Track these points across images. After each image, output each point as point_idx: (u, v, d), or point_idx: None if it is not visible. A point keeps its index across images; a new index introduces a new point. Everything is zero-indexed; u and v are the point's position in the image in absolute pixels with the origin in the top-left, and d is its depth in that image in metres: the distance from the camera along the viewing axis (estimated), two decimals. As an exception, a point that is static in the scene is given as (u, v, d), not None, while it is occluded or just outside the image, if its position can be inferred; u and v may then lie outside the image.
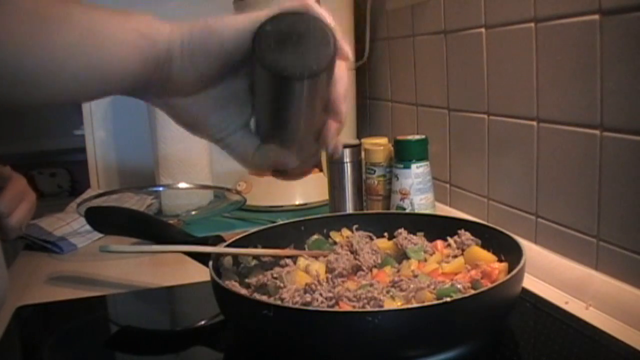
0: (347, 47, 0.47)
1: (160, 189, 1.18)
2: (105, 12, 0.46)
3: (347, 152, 1.01)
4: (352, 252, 0.72)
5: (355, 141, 1.05)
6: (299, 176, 0.56)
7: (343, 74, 0.49)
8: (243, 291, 0.64)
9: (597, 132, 0.68)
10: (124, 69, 0.45)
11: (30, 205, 0.67)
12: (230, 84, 0.49)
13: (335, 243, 0.78)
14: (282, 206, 1.20)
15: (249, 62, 0.46)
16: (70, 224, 1.06)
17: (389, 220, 0.80)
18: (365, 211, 1.03)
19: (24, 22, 0.43)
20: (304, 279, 0.64)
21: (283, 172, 0.54)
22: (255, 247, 0.74)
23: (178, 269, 0.86)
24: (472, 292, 0.58)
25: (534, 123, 0.79)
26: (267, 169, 0.53)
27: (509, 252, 0.67)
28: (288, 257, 0.72)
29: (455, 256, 0.71)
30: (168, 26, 0.47)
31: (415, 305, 0.57)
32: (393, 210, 0.97)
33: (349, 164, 1.01)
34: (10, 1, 0.43)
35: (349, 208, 1.02)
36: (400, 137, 0.98)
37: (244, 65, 0.47)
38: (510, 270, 0.63)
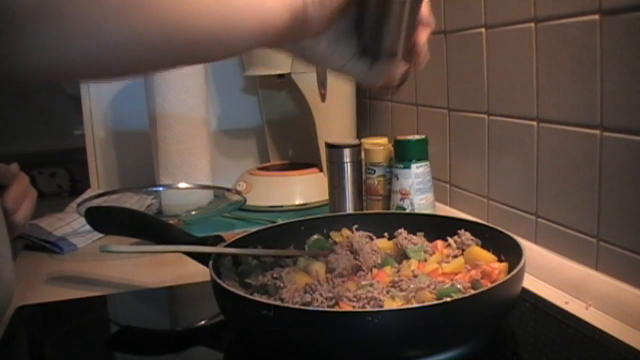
0: None
1: (160, 189, 1.18)
2: None
3: (347, 152, 1.01)
4: (352, 252, 0.72)
5: (355, 141, 1.05)
6: (400, 85, 0.62)
7: None
8: (243, 291, 0.64)
9: (597, 132, 0.68)
10: (278, 21, 0.48)
11: (32, 203, 0.68)
12: (343, 18, 0.54)
13: (335, 243, 0.78)
14: (282, 206, 1.20)
15: None
16: (70, 224, 1.06)
17: (389, 220, 0.80)
18: (365, 211, 1.03)
19: None
20: (304, 279, 0.64)
21: (391, 85, 0.61)
22: (255, 247, 0.74)
23: (178, 269, 0.86)
24: (472, 292, 0.58)
25: (534, 123, 0.79)
26: (381, 83, 0.60)
27: (509, 252, 0.67)
28: (288, 257, 0.72)
29: (455, 256, 0.71)
30: None
31: (415, 305, 0.57)
32: (393, 210, 0.97)
33: (348, 164, 1.01)
34: None
35: (349, 208, 1.02)
36: (400, 137, 0.98)
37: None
38: (510, 270, 0.63)
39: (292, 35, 0.51)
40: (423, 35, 0.59)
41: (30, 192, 0.68)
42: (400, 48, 0.57)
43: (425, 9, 0.57)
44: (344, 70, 0.58)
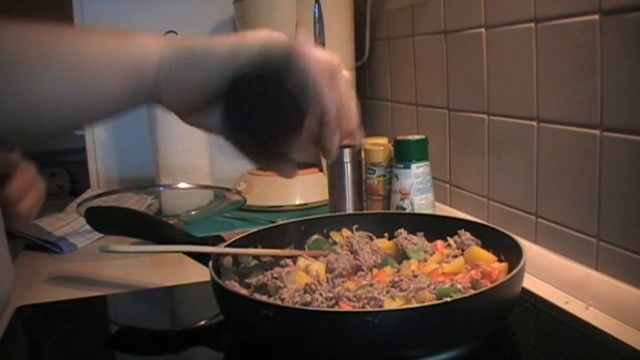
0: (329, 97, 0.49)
1: (160, 189, 1.18)
2: (96, 38, 0.47)
3: (346, 152, 1.01)
4: (352, 252, 0.72)
5: (354, 143, 1.05)
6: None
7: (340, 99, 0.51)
8: (243, 291, 0.64)
9: (597, 132, 0.68)
10: (112, 103, 0.48)
11: (39, 194, 0.67)
12: (216, 104, 0.51)
13: (335, 243, 0.78)
14: (282, 206, 1.20)
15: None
16: (70, 224, 1.06)
17: (389, 220, 0.80)
18: (365, 211, 1.03)
19: (24, 54, 0.44)
20: (304, 279, 0.64)
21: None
22: (255, 247, 0.74)
23: (178, 269, 0.86)
24: (472, 292, 0.58)
25: (534, 123, 0.79)
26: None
27: (509, 252, 0.67)
28: (288, 257, 0.72)
29: (455, 256, 0.71)
30: (157, 57, 0.48)
31: (415, 305, 0.57)
32: (393, 210, 0.97)
33: (348, 164, 1.01)
34: (8, 36, 0.43)
35: (349, 208, 1.02)
36: (400, 137, 0.98)
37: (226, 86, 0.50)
38: (510, 270, 0.63)
39: (139, 102, 0.50)
40: (330, 138, 0.53)
41: (37, 183, 0.67)
42: (286, 154, 0.54)
43: (332, 117, 0.51)
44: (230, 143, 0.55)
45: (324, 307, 0.58)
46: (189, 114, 0.52)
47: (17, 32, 0.45)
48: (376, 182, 1.03)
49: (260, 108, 0.48)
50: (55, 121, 0.47)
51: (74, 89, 0.46)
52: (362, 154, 1.04)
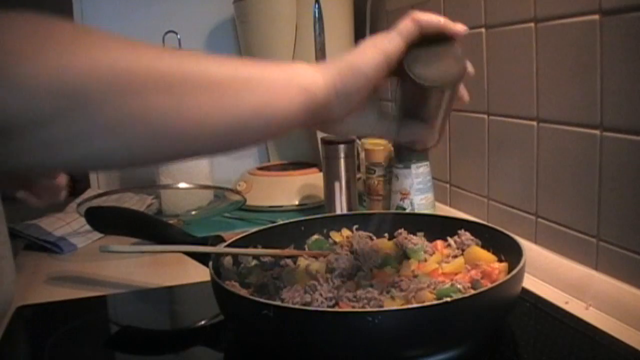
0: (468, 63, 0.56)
1: (160, 189, 1.18)
2: (261, 66, 0.49)
3: (341, 147, 1.01)
4: (352, 252, 0.72)
5: (350, 137, 1.05)
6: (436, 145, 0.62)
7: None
8: (243, 291, 0.64)
9: (597, 132, 0.68)
10: (286, 119, 0.49)
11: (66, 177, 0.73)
12: (371, 99, 0.56)
13: (335, 243, 0.78)
14: (282, 206, 1.20)
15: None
16: (70, 224, 1.06)
17: (389, 221, 0.80)
18: (365, 211, 1.03)
19: (209, 92, 0.45)
20: (304, 279, 0.64)
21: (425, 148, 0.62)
22: (255, 247, 0.74)
23: (178, 269, 0.86)
24: (472, 292, 0.58)
25: (534, 123, 0.79)
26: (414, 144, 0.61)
27: (509, 252, 0.67)
28: (288, 257, 0.72)
29: (455, 256, 0.71)
30: (320, 75, 0.51)
31: (415, 305, 0.57)
32: (393, 210, 0.97)
33: (342, 160, 1.02)
34: (192, 76, 0.44)
35: (344, 203, 1.02)
36: (400, 137, 0.98)
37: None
38: (510, 270, 0.63)
39: (309, 125, 0.54)
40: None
41: None
42: (436, 127, 0.59)
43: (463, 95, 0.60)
44: (370, 135, 0.60)
45: (324, 307, 0.58)
46: (350, 114, 0.54)
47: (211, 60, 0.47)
48: (376, 182, 1.03)
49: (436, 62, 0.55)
50: (246, 137, 0.49)
51: (261, 108, 0.47)
52: (362, 153, 1.04)
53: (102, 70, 0.39)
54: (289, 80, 0.49)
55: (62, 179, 0.71)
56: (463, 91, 0.60)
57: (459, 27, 0.56)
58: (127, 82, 0.40)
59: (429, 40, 0.55)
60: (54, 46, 0.38)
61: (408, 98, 0.58)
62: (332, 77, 0.51)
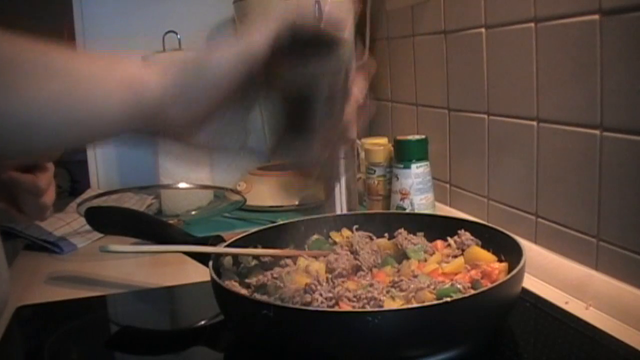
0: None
1: (160, 189, 1.18)
2: (89, 59, 0.44)
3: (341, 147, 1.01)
4: (352, 252, 0.72)
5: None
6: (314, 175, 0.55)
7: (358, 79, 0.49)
8: (243, 291, 0.64)
9: (597, 132, 0.68)
10: (108, 123, 0.44)
11: (54, 190, 0.69)
12: (228, 109, 0.48)
13: (335, 243, 0.78)
14: (282, 206, 1.20)
15: (245, 86, 0.46)
16: (70, 224, 1.06)
17: (389, 220, 0.80)
18: (365, 211, 1.03)
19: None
20: (304, 279, 0.64)
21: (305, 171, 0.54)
22: (255, 247, 0.74)
23: (178, 269, 0.86)
24: (472, 292, 0.58)
25: (534, 123, 0.79)
26: (288, 163, 0.53)
27: (509, 252, 0.67)
28: (288, 257, 0.72)
29: (455, 256, 0.71)
30: (154, 72, 0.44)
31: (415, 305, 0.57)
32: (393, 210, 0.97)
33: (342, 160, 1.02)
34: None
35: (343, 202, 1.02)
36: (400, 137, 0.98)
37: (240, 90, 0.46)
38: (510, 270, 0.63)
39: (144, 130, 0.46)
40: (350, 111, 0.50)
41: (53, 180, 0.70)
42: (315, 140, 0.49)
43: (351, 84, 0.50)
44: (235, 151, 0.51)
45: (324, 307, 0.58)
46: (199, 128, 0.47)
47: (9, 40, 0.42)
48: (376, 182, 1.03)
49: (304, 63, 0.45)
50: (47, 133, 0.43)
51: (68, 98, 0.42)
52: (362, 153, 1.04)
53: None
54: (108, 73, 0.43)
55: (49, 198, 0.67)
56: (357, 94, 0.50)
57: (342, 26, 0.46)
58: None
59: (309, 38, 0.45)
60: None
61: (279, 107, 0.49)
62: (171, 75, 0.44)
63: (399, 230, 0.76)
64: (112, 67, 0.44)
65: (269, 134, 0.50)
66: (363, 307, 0.58)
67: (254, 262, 0.72)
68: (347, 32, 0.46)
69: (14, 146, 0.43)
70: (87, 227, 0.88)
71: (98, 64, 0.44)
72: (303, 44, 0.45)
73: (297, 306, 0.58)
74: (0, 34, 0.41)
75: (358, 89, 0.50)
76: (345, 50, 0.45)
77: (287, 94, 0.45)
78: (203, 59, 0.45)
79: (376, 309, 0.56)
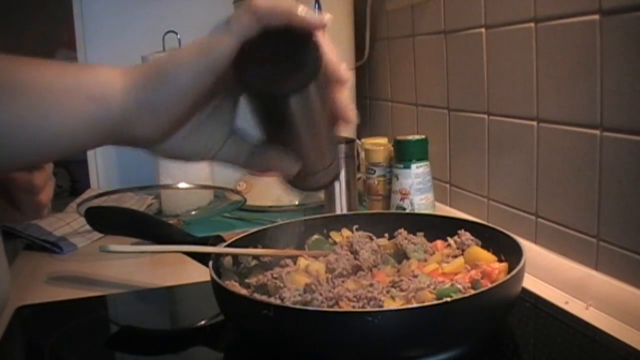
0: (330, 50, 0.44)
1: (160, 189, 1.18)
2: (54, 74, 0.43)
3: (341, 147, 1.01)
4: (352, 252, 0.72)
5: (350, 137, 1.05)
6: (320, 187, 0.54)
7: (341, 75, 0.46)
8: (243, 291, 0.64)
9: (597, 132, 0.68)
10: (73, 139, 0.43)
11: (53, 188, 0.68)
12: (201, 113, 0.47)
13: (335, 243, 0.78)
14: (282, 206, 1.20)
15: (218, 88, 0.45)
16: (70, 224, 1.06)
17: (389, 220, 0.80)
18: (365, 211, 1.03)
19: None
20: (304, 279, 0.64)
21: (299, 182, 0.52)
22: (255, 247, 0.74)
23: (178, 269, 0.86)
24: (472, 292, 0.58)
25: (534, 123, 0.79)
26: (269, 173, 0.51)
27: (509, 252, 0.67)
28: (288, 257, 0.72)
29: (455, 256, 0.71)
30: (119, 82, 0.43)
31: (415, 305, 0.57)
32: (393, 210, 0.97)
33: (342, 160, 1.02)
34: None
35: (343, 202, 1.02)
36: (400, 137, 0.98)
37: (212, 94, 0.45)
38: (510, 270, 0.63)
39: (115, 142, 0.46)
40: (341, 94, 0.47)
41: (51, 177, 0.69)
42: (298, 145, 0.47)
43: (341, 103, 0.46)
44: (217, 159, 0.49)
45: (324, 307, 0.58)
46: (170, 135, 0.46)
47: None
48: (376, 182, 1.03)
49: (271, 61, 0.43)
50: (11, 150, 0.43)
51: (31, 116, 0.42)
52: (362, 153, 1.04)
53: None
54: (74, 86, 0.42)
55: (45, 196, 0.66)
56: (339, 99, 0.46)
57: (318, 19, 0.43)
58: None
59: (277, 37, 0.43)
60: None
61: (255, 114, 0.46)
62: (134, 84, 0.43)
63: (399, 230, 0.76)
64: (76, 82, 0.43)
65: (253, 141, 0.49)
66: (363, 307, 0.58)
67: (254, 262, 0.72)
68: (320, 32, 0.43)
69: None
70: (87, 227, 0.88)
71: (63, 81, 0.43)
72: (274, 40, 0.43)
73: (297, 306, 0.58)
74: None
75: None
76: (320, 49, 0.43)
77: (257, 95, 0.43)
78: (164, 64, 0.43)
79: (376, 309, 0.56)
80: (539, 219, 0.80)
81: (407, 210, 0.95)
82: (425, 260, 0.71)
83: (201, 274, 0.70)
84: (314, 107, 0.45)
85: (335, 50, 0.45)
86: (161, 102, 0.43)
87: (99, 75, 0.43)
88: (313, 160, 0.50)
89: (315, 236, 0.79)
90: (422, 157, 0.96)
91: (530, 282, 0.75)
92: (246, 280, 0.68)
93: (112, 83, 0.43)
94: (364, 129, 1.39)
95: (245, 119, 0.48)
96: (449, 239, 0.74)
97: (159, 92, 0.42)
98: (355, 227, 0.80)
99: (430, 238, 0.76)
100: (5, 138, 0.42)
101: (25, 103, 0.42)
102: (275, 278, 0.65)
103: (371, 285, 0.62)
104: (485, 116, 0.91)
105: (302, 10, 0.42)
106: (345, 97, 0.47)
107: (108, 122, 0.43)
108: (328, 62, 0.44)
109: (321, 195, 1.16)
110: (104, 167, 1.40)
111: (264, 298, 0.62)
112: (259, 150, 0.49)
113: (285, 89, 0.41)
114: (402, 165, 0.96)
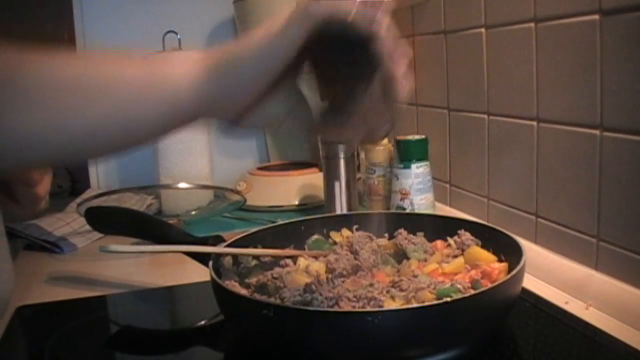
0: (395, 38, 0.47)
1: (160, 189, 1.18)
2: (131, 70, 0.47)
3: (341, 147, 1.01)
4: (352, 252, 0.72)
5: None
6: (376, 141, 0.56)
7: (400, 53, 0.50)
8: (243, 291, 0.64)
9: (597, 132, 0.68)
10: (152, 131, 0.48)
11: (50, 180, 0.70)
12: (272, 88, 0.49)
13: (335, 243, 0.78)
14: (282, 206, 1.20)
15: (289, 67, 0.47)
16: (70, 224, 1.06)
17: (389, 221, 0.80)
18: (365, 211, 1.03)
19: (67, 89, 0.44)
20: (304, 279, 0.64)
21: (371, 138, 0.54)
22: (255, 247, 0.74)
23: (178, 269, 0.86)
24: (472, 292, 0.58)
25: (534, 123, 0.79)
26: (333, 138, 0.55)
27: (509, 252, 0.67)
28: (288, 257, 0.72)
29: (455, 256, 0.71)
30: (195, 69, 0.46)
31: (415, 305, 0.57)
32: (393, 210, 0.97)
33: (342, 160, 1.02)
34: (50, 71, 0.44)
35: (343, 202, 1.02)
36: (400, 137, 0.98)
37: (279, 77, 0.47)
38: (510, 270, 0.63)
39: (196, 118, 0.49)
40: (399, 68, 0.51)
41: (49, 171, 0.71)
42: (358, 114, 0.50)
43: (391, 47, 0.49)
44: (279, 126, 0.54)
45: (324, 307, 0.58)
46: (244, 114, 0.49)
47: (62, 62, 0.46)
48: (376, 182, 1.03)
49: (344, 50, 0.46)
50: (97, 145, 0.48)
51: (114, 114, 0.46)
52: (357, 150, 1.04)
53: None
54: (150, 88, 0.46)
55: (43, 189, 0.68)
56: (396, 70, 0.50)
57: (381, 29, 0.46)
58: None
59: (340, 33, 0.46)
60: None
61: (324, 84, 0.50)
62: (208, 69, 0.45)
63: (399, 230, 0.76)
64: (152, 78, 0.46)
65: (316, 110, 0.51)
66: (363, 307, 0.58)
67: (254, 262, 0.72)
68: (383, 29, 0.46)
69: (70, 156, 0.49)
70: (87, 227, 0.88)
71: (139, 78, 0.46)
72: (335, 38, 0.45)
73: (297, 306, 0.58)
74: (58, 58, 0.46)
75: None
76: (382, 45, 0.46)
77: (322, 78, 0.47)
78: (237, 50, 0.46)
79: (376, 309, 0.56)
80: (539, 219, 0.80)
81: (407, 210, 0.95)
82: (425, 260, 0.71)
83: (201, 274, 0.70)
84: (374, 83, 0.49)
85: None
86: (236, 84, 0.45)
87: (176, 63, 0.46)
88: (375, 122, 0.52)
89: (315, 236, 0.79)
90: (422, 157, 0.96)
91: (530, 282, 0.75)
92: (246, 280, 0.68)
93: (188, 71, 0.46)
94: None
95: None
96: (449, 239, 0.74)
97: (232, 76, 0.45)
98: (355, 227, 0.80)
99: (430, 238, 0.76)
100: (95, 135, 0.46)
101: (111, 103, 0.46)
102: (275, 278, 0.65)
103: (371, 285, 0.62)
104: (485, 116, 0.91)
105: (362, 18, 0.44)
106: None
107: (183, 113, 0.47)
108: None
109: (321, 195, 1.16)
110: (104, 167, 1.40)
111: (264, 298, 0.62)
112: (323, 117, 0.51)
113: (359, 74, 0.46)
114: (402, 165, 0.96)
